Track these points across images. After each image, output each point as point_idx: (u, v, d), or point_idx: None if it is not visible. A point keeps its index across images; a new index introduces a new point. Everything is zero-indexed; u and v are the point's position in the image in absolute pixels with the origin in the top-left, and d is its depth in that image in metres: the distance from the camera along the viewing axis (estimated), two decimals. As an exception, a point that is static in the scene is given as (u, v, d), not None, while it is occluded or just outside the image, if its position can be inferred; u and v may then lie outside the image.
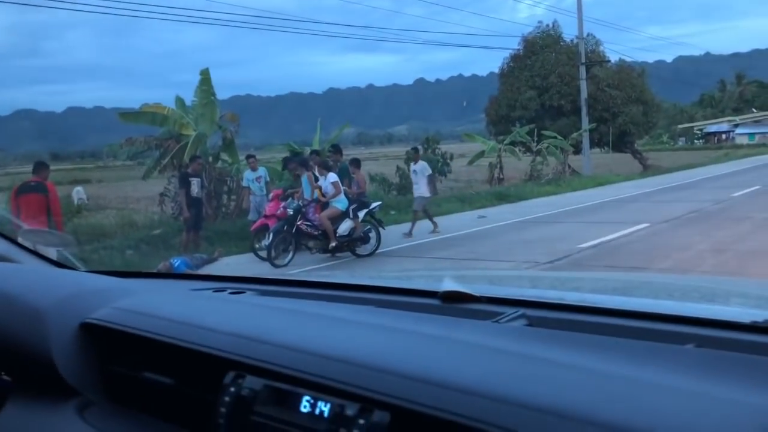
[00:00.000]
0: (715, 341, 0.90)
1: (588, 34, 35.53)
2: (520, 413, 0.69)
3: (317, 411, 0.84)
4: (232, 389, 0.91)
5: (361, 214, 11.59)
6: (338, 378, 0.83)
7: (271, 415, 0.87)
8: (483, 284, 1.36)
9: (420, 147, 25.68)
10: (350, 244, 11.53)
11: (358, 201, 11.88)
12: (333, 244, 11.21)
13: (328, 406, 0.83)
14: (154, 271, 8.29)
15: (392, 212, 16.65)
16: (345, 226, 11.33)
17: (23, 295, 1.19)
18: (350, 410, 0.80)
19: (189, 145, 15.01)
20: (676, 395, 0.70)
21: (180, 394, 1.03)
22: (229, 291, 1.39)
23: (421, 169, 14.17)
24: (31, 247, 1.69)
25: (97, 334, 1.13)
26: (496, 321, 1.04)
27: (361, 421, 0.79)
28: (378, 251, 11.69)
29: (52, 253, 1.80)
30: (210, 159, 16.33)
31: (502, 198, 21.29)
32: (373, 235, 11.73)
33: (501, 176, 26.40)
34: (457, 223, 15.60)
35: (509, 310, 1.08)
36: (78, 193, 24.79)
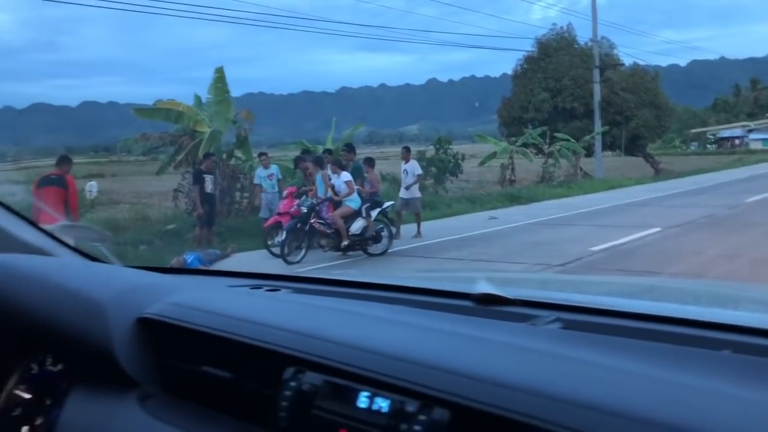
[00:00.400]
0: (750, 347, 0.92)
1: (602, 37, 35.45)
2: (583, 414, 0.71)
3: (375, 406, 0.86)
4: (293, 384, 0.94)
5: (374, 213, 11.63)
6: (397, 375, 0.85)
7: (331, 409, 0.90)
8: (513, 287, 1.38)
9: (430, 146, 25.73)
10: (362, 243, 11.57)
11: (371, 200, 11.92)
12: (345, 242, 11.27)
13: (387, 402, 0.85)
14: (167, 266, 8.36)
15: (403, 212, 16.63)
16: (357, 225, 11.38)
17: (83, 290, 1.23)
18: (410, 407, 0.82)
19: (204, 142, 15.11)
20: (724, 400, 0.72)
21: (236, 388, 1.05)
22: (266, 288, 1.42)
23: (411, 168, 13.93)
24: (66, 241, 1.73)
25: (153, 328, 1.17)
26: (533, 324, 1.06)
27: (422, 417, 0.81)
28: (390, 250, 11.73)
29: (70, 242, 1.83)
30: (224, 156, 16.41)
31: (514, 199, 21.25)
32: (385, 234, 11.78)
33: (512, 178, 26.35)
34: (467, 223, 15.60)
35: (543, 314, 1.09)
36: (91, 187, 24.92)
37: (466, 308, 1.17)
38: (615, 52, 36.73)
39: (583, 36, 36.91)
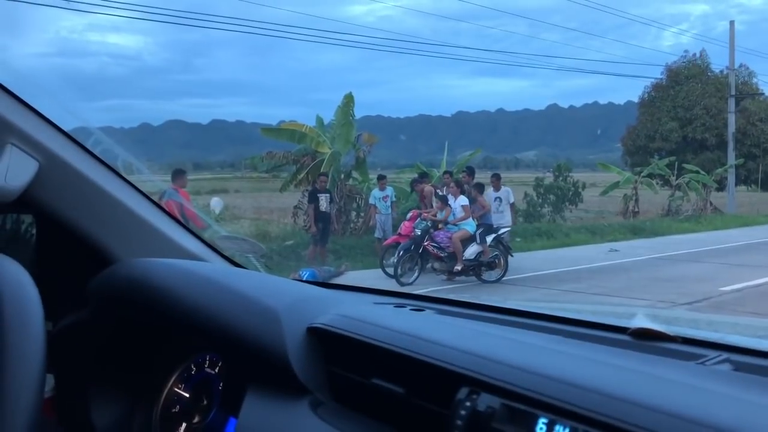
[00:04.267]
0: None
1: (740, 65, 33.57)
2: None
3: None
4: (468, 404, 0.91)
5: (489, 239, 11.49)
6: (581, 404, 0.81)
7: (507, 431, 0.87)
8: (670, 323, 1.28)
9: (550, 173, 25.17)
10: (476, 269, 11.45)
11: (485, 225, 11.80)
12: (458, 266, 11.20)
13: (567, 430, 0.81)
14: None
15: (518, 239, 16.35)
16: (472, 250, 11.30)
17: (259, 297, 1.27)
18: None
19: (324, 162, 15.60)
20: None
21: (405, 403, 1.05)
22: (410, 308, 1.39)
23: (505, 195, 13.61)
24: (217, 248, 1.79)
25: (322, 338, 1.19)
26: (701, 363, 0.99)
27: None
28: (504, 278, 11.52)
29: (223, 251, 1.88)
30: (342, 176, 16.84)
31: (636, 232, 20.38)
32: (500, 261, 11.59)
33: (636, 209, 25.27)
34: (586, 254, 15.06)
35: (711, 353, 1.02)
36: (216, 204, 26.07)
37: (623, 342, 1.11)
38: (754, 80, 34.70)
39: (717, 63, 35.12)
